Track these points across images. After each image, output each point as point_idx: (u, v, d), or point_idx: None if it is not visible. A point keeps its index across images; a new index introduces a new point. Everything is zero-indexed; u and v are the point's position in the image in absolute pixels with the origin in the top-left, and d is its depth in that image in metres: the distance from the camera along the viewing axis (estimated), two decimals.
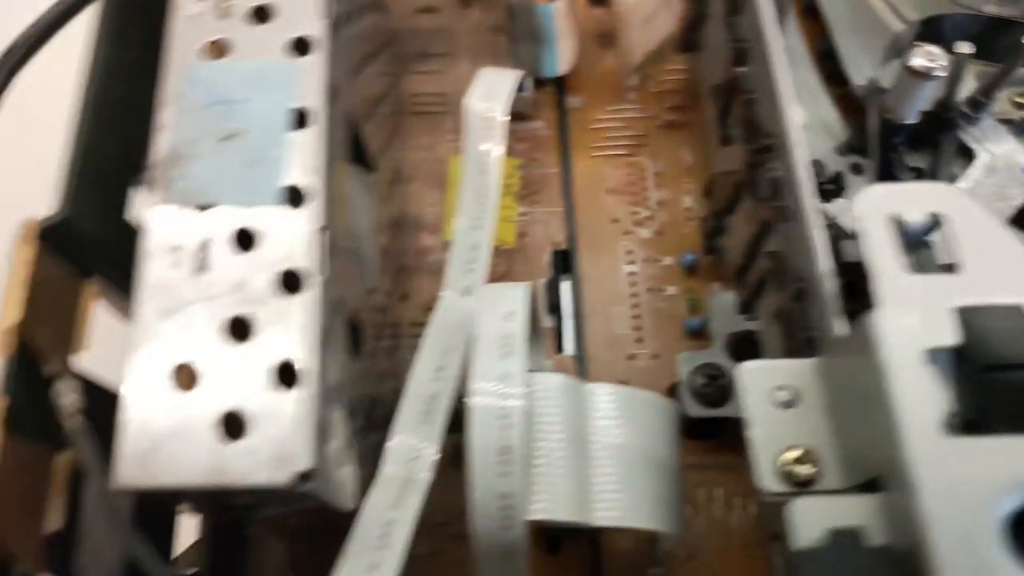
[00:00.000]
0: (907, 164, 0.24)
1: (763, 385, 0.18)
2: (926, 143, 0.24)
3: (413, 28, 0.30)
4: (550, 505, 0.19)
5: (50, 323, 0.16)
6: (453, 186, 0.28)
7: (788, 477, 0.17)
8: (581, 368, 0.27)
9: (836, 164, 0.23)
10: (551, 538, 0.25)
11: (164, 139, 0.18)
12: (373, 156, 0.23)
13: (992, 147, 0.23)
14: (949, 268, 0.16)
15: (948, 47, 0.21)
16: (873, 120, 0.23)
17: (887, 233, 0.16)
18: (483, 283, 0.23)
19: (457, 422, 0.20)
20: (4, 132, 0.21)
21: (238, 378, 0.16)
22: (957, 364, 0.15)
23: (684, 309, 0.27)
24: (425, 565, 0.25)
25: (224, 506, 0.17)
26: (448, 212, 0.28)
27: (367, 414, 0.21)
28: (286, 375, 0.16)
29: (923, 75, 0.21)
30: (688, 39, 0.28)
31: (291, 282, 0.17)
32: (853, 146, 0.24)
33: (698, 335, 0.26)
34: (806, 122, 0.20)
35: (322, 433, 0.16)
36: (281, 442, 0.16)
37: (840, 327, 0.18)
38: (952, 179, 0.22)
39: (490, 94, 0.24)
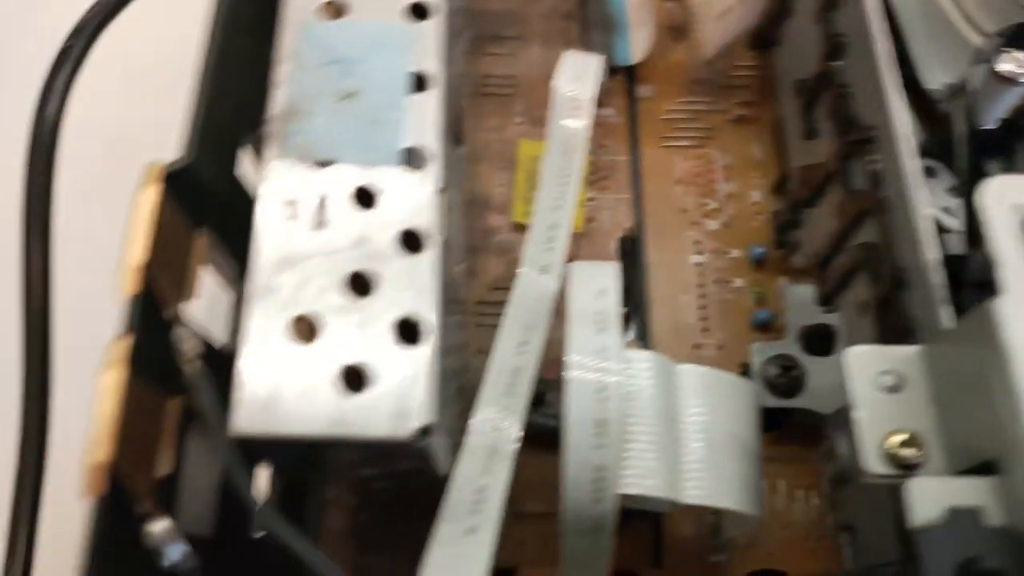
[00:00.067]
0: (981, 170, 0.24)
1: (869, 369, 0.18)
2: (999, 150, 0.24)
3: (487, 10, 0.30)
4: (642, 480, 0.19)
5: (168, 269, 0.16)
6: (522, 168, 0.29)
7: (893, 460, 0.17)
8: None
9: None
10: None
11: (280, 95, 0.18)
12: (463, 131, 0.24)
13: None
14: None
15: None
16: (960, 124, 0.23)
17: (1011, 223, 0.16)
18: (562, 262, 0.24)
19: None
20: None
21: (359, 332, 0.16)
22: None
23: (750, 302, 0.27)
24: (541, 522, 0.25)
25: (325, 462, 0.17)
26: (517, 194, 0.28)
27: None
28: (407, 331, 0.16)
29: (1010, 81, 0.22)
30: (764, 35, 0.28)
31: (411, 241, 0.17)
32: (926, 150, 0.24)
33: (765, 328, 0.27)
34: None
35: (440, 390, 0.16)
36: (402, 397, 0.16)
37: (947, 316, 0.18)
38: None
39: (578, 76, 0.24)
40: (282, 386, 0.16)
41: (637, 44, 0.29)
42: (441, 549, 0.18)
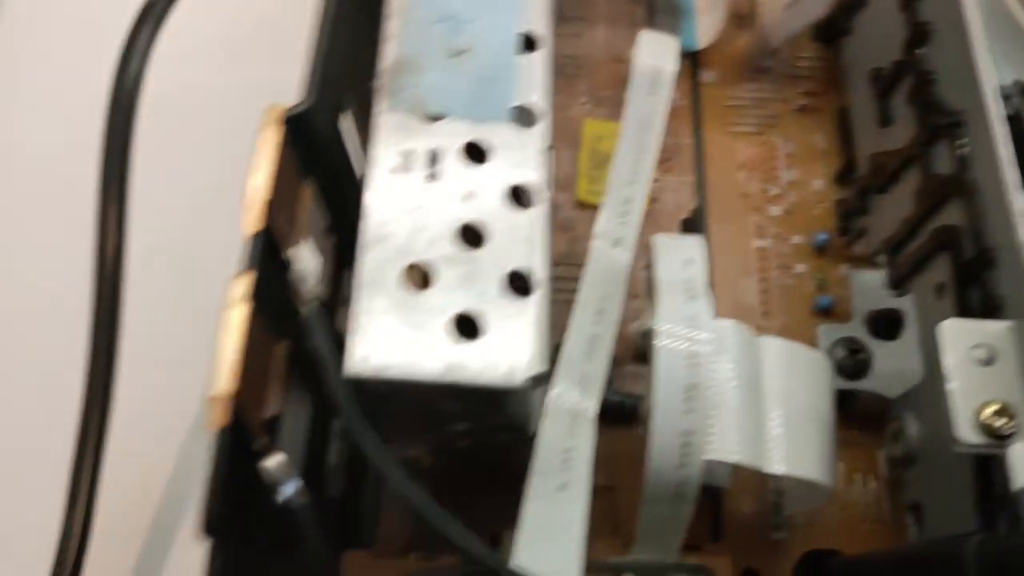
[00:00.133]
0: None
1: (962, 343, 0.18)
2: None
3: None
4: (726, 447, 0.20)
5: (284, 210, 0.16)
6: (586, 147, 0.29)
7: (986, 430, 0.18)
8: None
9: None
10: None
11: (391, 48, 0.18)
12: None
13: None
14: None
15: None
16: None
17: None
18: (635, 236, 0.24)
19: None
20: None
21: (471, 282, 0.16)
22: None
23: (812, 287, 0.27)
24: None
25: (426, 414, 0.17)
26: (580, 172, 0.29)
27: None
28: (517, 284, 0.17)
29: None
30: (833, 26, 0.28)
31: (520, 197, 0.17)
32: None
33: (826, 314, 0.27)
34: None
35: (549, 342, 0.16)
36: (513, 347, 0.16)
37: None
38: None
39: (658, 53, 0.24)
40: (397, 332, 0.16)
41: (704, 30, 0.29)
42: (536, 503, 0.18)
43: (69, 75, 0.30)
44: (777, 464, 0.20)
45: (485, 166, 0.17)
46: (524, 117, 0.17)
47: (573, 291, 0.22)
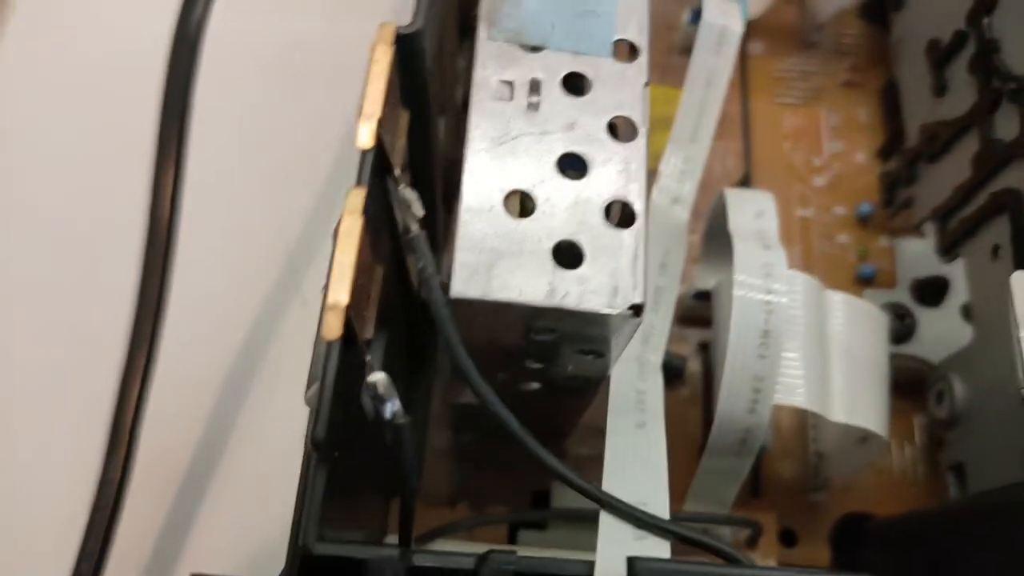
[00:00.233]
0: None
1: None
2: None
3: None
4: (795, 392, 0.20)
5: (390, 132, 0.16)
6: None
7: None
8: None
9: None
10: None
11: None
12: None
13: None
14: None
15: None
16: None
17: None
18: (692, 195, 0.24)
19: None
20: None
21: (573, 210, 0.16)
22: None
23: (854, 257, 0.28)
24: (591, 466, 0.25)
25: (509, 347, 0.17)
26: None
27: None
28: (617, 215, 0.17)
29: None
30: (883, 1, 0.29)
31: (619, 131, 0.17)
32: None
33: (868, 283, 0.27)
34: None
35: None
36: (615, 274, 0.16)
37: None
38: None
39: (724, 11, 0.25)
40: (499, 256, 0.16)
41: (754, 1, 0.29)
42: (617, 438, 0.18)
43: (127, 15, 0.30)
44: (838, 412, 0.20)
45: (585, 98, 0.17)
46: (624, 52, 0.18)
47: None
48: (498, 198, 0.16)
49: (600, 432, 0.19)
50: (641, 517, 0.16)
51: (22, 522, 0.24)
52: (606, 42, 0.18)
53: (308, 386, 0.15)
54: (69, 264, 0.27)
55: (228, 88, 0.25)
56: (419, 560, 0.14)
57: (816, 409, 0.20)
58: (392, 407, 0.14)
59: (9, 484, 0.25)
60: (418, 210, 0.16)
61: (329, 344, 0.14)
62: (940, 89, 0.25)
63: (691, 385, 0.26)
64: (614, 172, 0.17)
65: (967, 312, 0.24)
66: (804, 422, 0.26)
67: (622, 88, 0.17)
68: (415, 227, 0.16)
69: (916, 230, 0.26)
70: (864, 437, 0.22)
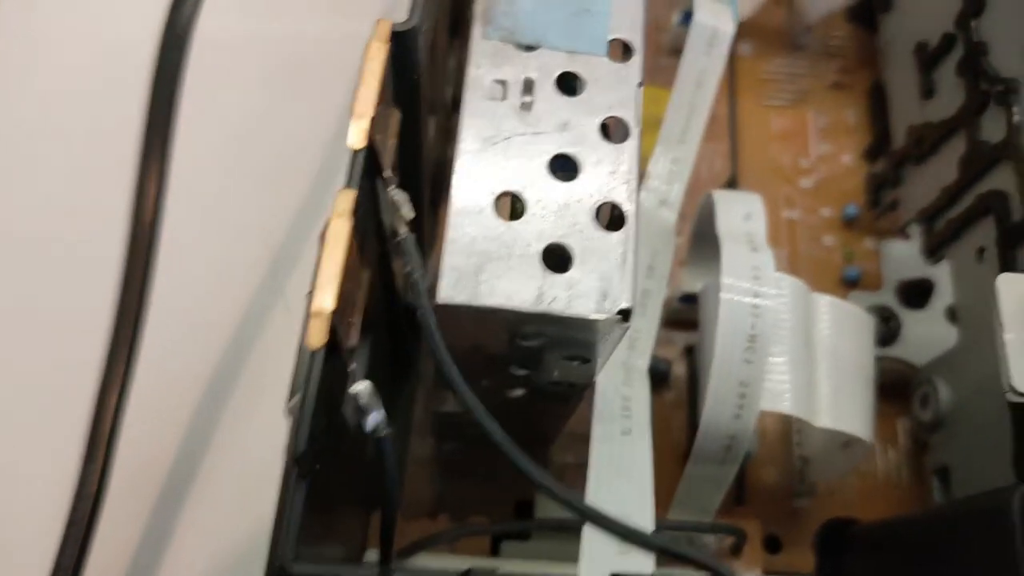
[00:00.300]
0: None
1: (1018, 295, 0.19)
2: None
3: None
4: (781, 398, 0.20)
5: (383, 131, 0.16)
6: None
7: None
8: None
9: None
10: None
11: None
12: None
13: None
14: None
15: None
16: None
17: None
18: (680, 197, 0.24)
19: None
20: None
21: (563, 212, 0.16)
22: None
23: (840, 259, 0.28)
24: (575, 474, 0.25)
25: (494, 354, 0.17)
26: None
27: None
28: (607, 217, 0.16)
29: None
30: (871, 3, 0.29)
31: (611, 132, 0.17)
32: None
33: (853, 285, 0.27)
34: None
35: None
36: (604, 278, 0.16)
37: None
38: None
39: (716, 13, 0.24)
40: (487, 260, 0.16)
41: (744, 2, 0.29)
42: (602, 446, 0.18)
43: (114, 11, 0.29)
44: (824, 418, 0.20)
45: (578, 98, 0.17)
46: (619, 51, 0.17)
47: None
48: (488, 200, 0.16)
49: (584, 439, 0.19)
50: (625, 531, 0.15)
51: None
52: (601, 41, 0.17)
53: (291, 395, 0.14)
54: (47, 268, 0.26)
55: (213, 88, 0.25)
56: None
57: (802, 415, 0.20)
58: (375, 419, 0.14)
59: None
60: (408, 212, 0.15)
61: (313, 353, 0.14)
62: (928, 91, 0.25)
63: (677, 389, 0.26)
64: (605, 173, 0.17)
65: (952, 314, 0.24)
66: (789, 427, 0.26)
67: (616, 88, 0.17)
68: (404, 230, 0.15)
69: (902, 232, 0.26)
70: (848, 441, 0.22)
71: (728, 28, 0.24)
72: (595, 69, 0.17)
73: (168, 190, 0.21)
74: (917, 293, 0.25)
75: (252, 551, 0.23)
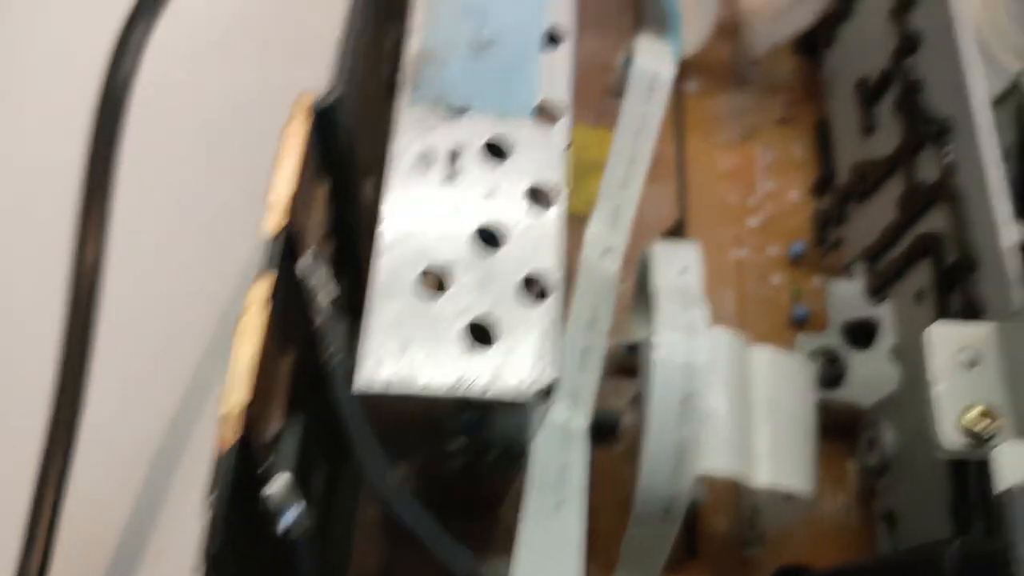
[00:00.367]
0: None
1: (948, 346, 0.19)
2: None
3: None
4: (718, 459, 0.20)
5: (306, 209, 0.16)
6: (571, 156, 0.29)
7: (969, 433, 0.18)
8: None
9: None
10: None
11: (415, 40, 0.17)
12: None
13: None
14: None
15: None
16: (1007, 134, 0.24)
17: None
18: (624, 244, 0.24)
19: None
20: None
21: (487, 286, 0.16)
22: None
23: (787, 298, 0.28)
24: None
25: (429, 428, 0.17)
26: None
27: None
28: (532, 288, 0.16)
29: None
30: (815, 38, 0.29)
31: (539, 196, 0.17)
32: None
33: (801, 324, 0.27)
34: None
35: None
36: (527, 353, 0.16)
37: (1020, 298, 0.19)
38: None
39: (656, 57, 0.24)
40: (410, 340, 0.15)
41: (689, 39, 0.29)
42: (533, 522, 0.18)
43: (54, 72, 0.28)
44: (764, 475, 0.20)
45: (505, 164, 0.17)
46: (546, 114, 0.17)
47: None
48: (411, 276, 0.16)
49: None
50: None
51: None
52: (528, 104, 0.17)
53: (210, 490, 0.14)
54: None
55: (160, 143, 0.24)
56: None
57: (739, 475, 0.20)
58: (288, 519, 0.14)
59: None
60: (325, 297, 0.15)
61: (221, 457, 0.13)
62: (868, 128, 0.25)
63: (626, 440, 0.26)
64: (531, 242, 0.16)
65: (897, 355, 0.24)
66: None
67: (544, 152, 0.17)
68: (321, 316, 0.15)
69: (847, 271, 0.26)
70: (790, 496, 0.21)
71: (668, 72, 0.24)
72: (523, 133, 0.17)
73: (107, 257, 0.20)
74: (863, 333, 0.25)
75: None
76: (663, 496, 0.19)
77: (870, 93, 0.25)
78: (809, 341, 0.26)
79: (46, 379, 0.19)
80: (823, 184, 0.28)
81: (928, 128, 0.22)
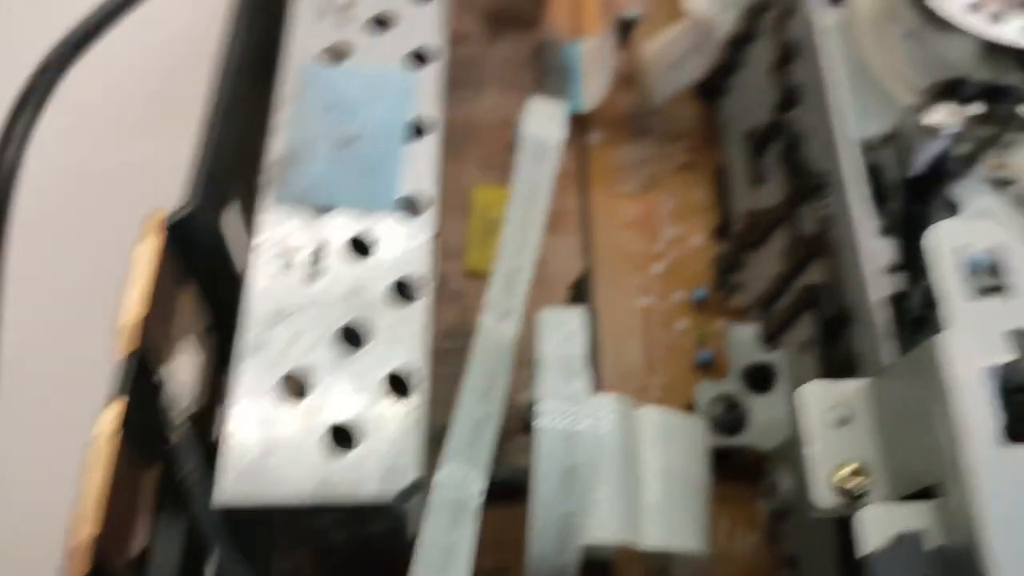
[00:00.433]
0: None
1: (819, 405, 0.19)
2: (926, 193, 0.26)
3: None
4: (606, 528, 0.20)
5: (161, 325, 0.16)
6: (476, 215, 0.29)
7: (842, 491, 0.18)
8: None
9: None
10: None
11: (280, 140, 0.18)
12: None
13: (975, 203, 0.26)
14: (999, 291, 0.17)
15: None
16: (892, 171, 0.24)
17: (953, 264, 0.17)
18: (522, 308, 0.24)
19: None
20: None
21: (349, 388, 0.16)
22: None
23: (692, 343, 0.28)
24: None
25: (303, 528, 0.17)
26: (471, 240, 0.29)
27: None
28: (397, 384, 0.17)
29: (936, 131, 0.23)
30: (711, 86, 0.29)
31: (405, 290, 0.17)
32: None
33: (707, 368, 0.28)
34: None
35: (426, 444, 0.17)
36: (390, 454, 0.16)
37: (890, 352, 0.19)
38: None
39: (544, 122, 0.25)
40: (269, 451, 0.16)
41: (590, 93, 0.30)
42: None
43: None
44: (652, 538, 0.20)
45: (370, 260, 0.17)
46: (411, 206, 0.18)
47: (461, 364, 0.22)
48: (271, 383, 0.16)
49: (504, 541, 0.18)
50: None
51: None
52: (390, 199, 0.18)
53: None
54: None
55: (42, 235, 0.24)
56: None
57: (628, 541, 0.20)
58: None
59: None
60: (184, 411, 0.15)
61: None
62: (758, 178, 0.26)
63: None
64: (395, 339, 0.17)
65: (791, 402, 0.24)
66: None
67: (408, 245, 0.17)
68: (175, 434, 0.15)
69: (746, 315, 0.27)
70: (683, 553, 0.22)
71: (556, 135, 0.25)
72: (386, 228, 0.17)
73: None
74: (761, 377, 0.26)
75: None
76: (552, 566, 0.20)
77: (758, 144, 0.26)
78: (709, 388, 0.26)
79: None
80: (722, 229, 0.29)
81: (809, 181, 0.22)
